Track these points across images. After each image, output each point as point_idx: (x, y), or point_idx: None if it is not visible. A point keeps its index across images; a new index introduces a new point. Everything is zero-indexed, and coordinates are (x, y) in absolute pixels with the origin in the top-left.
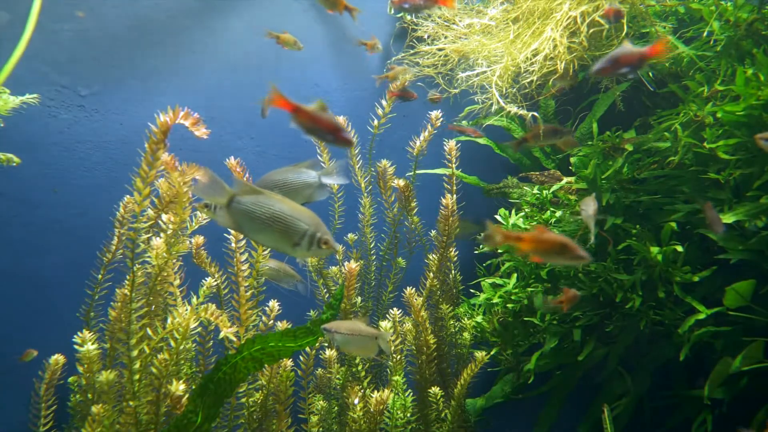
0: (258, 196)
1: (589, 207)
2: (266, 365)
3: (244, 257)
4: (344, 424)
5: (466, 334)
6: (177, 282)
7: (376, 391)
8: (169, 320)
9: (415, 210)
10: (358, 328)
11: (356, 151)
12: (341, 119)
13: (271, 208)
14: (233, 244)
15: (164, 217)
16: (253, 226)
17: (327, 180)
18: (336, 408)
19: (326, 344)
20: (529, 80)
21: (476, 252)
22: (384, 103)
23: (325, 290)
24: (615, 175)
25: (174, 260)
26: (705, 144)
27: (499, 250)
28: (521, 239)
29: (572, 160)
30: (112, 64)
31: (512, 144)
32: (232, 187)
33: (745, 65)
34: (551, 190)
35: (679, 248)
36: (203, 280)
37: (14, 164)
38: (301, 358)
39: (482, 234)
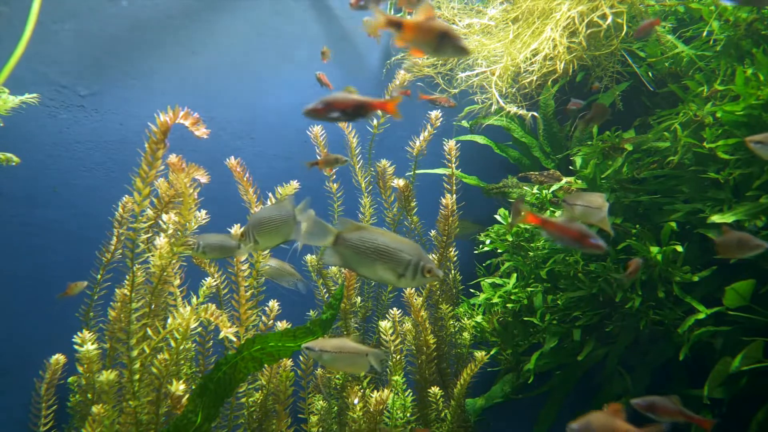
0: (361, 232)
1: (604, 206)
2: (266, 365)
3: (243, 257)
4: (344, 424)
5: (465, 334)
6: (177, 282)
7: (375, 391)
8: (170, 320)
9: (415, 210)
10: (345, 345)
11: (356, 151)
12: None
13: (375, 242)
14: None
15: (164, 217)
16: (360, 261)
17: (301, 217)
18: (336, 408)
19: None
20: (528, 80)
21: (476, 252)
22: None
23: (325, 290)
24: (614, 175)
25: (175, 260)
26: (704, 144)
27: (499, 250)
28: None
29: (573, 159)
30: (112, 64)
31: (581, 122)
32: (336, 227)
33: (745, 65)
34: (551, 190)
35: (679, 248)
36: (203, 280)
37: (14, 164)
38: (301, 358)
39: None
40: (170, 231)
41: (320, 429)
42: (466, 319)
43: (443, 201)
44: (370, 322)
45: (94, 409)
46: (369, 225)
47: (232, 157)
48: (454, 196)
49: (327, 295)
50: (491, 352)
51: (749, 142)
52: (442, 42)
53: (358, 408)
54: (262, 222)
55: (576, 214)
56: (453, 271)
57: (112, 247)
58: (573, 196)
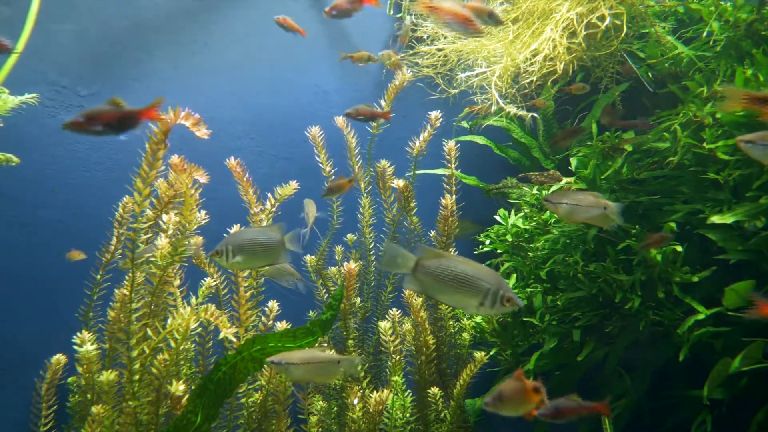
0: (440, 260)
1: (599, 204)
2: (266, 365)
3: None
4: (343, 425)
5: (465, 335)
6: (177, 282)
7: (375, 392)
8: (169, 321)
9: (415, 210)
10: (313, 355)
11: (356, 152)
12: (340, 120)
13: (454, 270)
14: None
15: (164, 217)
16: (440, 288)
17: (290, 245)
18: (335, 408)
19: (326, 344)
20: (528, 80)
21: (476, 252)
22: (383, 103)
23: (325, 290)
24: (614, 176)
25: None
26: (704, 144)
27: (498, 251)
28: None
29: (572, 160)
30: (112, 64)
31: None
32: (414, 253)
33: (745, 66)
34: (550, 191)
35: (679, 248)
36: (203, 281)
37: (14, 164)
38: None
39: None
40: (170, 231)
41: (320, 429)
42: (465, 319)
43: (443, 201)
44: (369, 323)
45: (94, 409)
46: (448, 252)
47: (232, 157)
48: (454, 196)
49: (327, 295)
50: (491, 353)
51: (740, 141)
52: None
53: (358, 408)
54: (246, 243)
55: (561, 213)
56: None
57: (112, 247)
58: (559, 195)
